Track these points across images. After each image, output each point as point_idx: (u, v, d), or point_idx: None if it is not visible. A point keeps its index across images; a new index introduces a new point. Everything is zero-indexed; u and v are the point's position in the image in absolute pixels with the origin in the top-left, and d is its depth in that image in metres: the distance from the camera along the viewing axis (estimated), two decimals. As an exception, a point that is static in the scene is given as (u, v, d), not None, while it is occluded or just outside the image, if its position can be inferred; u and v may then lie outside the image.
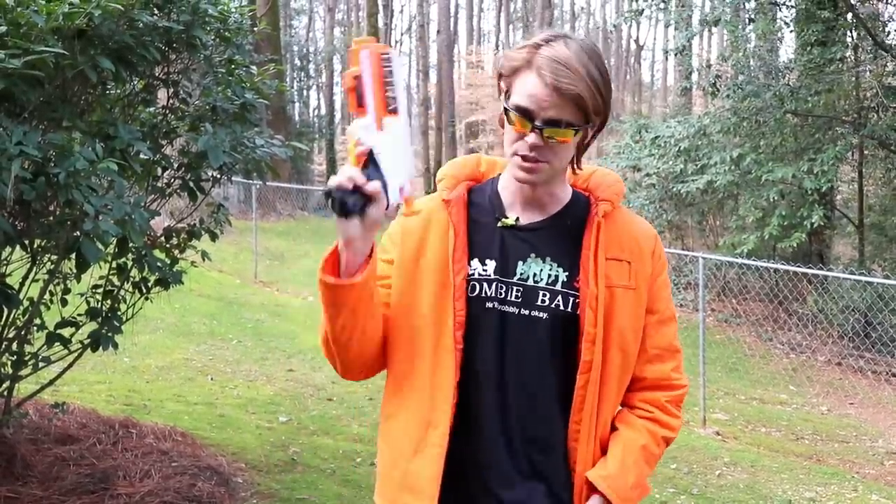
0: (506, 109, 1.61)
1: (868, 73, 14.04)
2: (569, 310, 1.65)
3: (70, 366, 4.01)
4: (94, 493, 3.71)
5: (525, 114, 1.57)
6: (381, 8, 30.01)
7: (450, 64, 32.71)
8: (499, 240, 1.70)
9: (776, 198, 13.11)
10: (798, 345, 11.94)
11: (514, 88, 1.59)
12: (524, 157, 1.60)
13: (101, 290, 3.88)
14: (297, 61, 39.32)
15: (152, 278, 3.89)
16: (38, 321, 3.79)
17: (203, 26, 3.42)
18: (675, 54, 16.24)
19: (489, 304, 1.66)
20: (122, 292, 3.92)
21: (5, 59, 2.39)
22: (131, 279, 3.92)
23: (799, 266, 10.28)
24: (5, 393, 3.83)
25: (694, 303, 13.52)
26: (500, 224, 1.71)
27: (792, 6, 14.67)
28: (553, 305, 1.65)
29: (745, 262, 10.28)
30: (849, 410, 9.31)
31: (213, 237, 4.23)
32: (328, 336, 1.63)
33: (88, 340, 3.74)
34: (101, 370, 6.51)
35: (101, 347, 3.69)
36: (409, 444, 1.67)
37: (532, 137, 1.57)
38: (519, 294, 1.66)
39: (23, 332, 3.73)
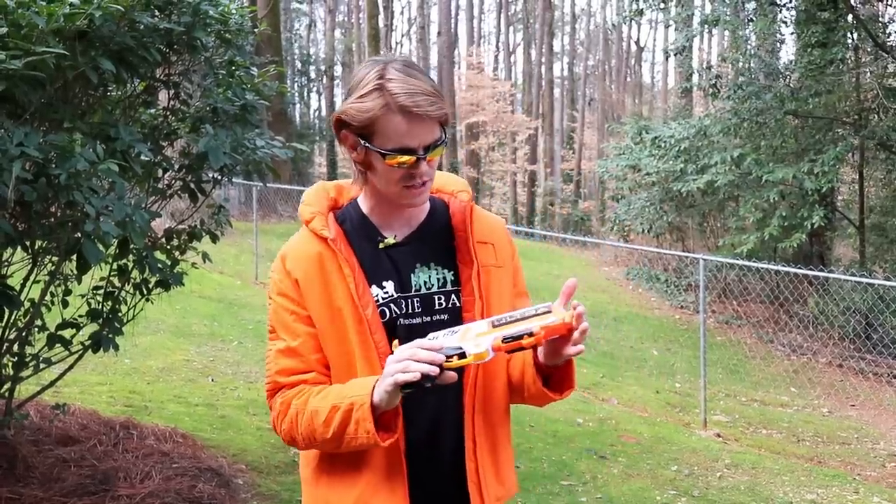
0: (381, 154, 1.65)
1: (868, 74, 14.06)
2: (461, 305, 1.77)
3: (71, 367, 4.01)
4: (95, 495, 3.71)
5: (408, 152, 1.64)
6: (381, 10, 30.01)
7: (450, 65, 32.72)
8: (387, 260, 1.77)
9: (776, 198, 13.12)
10: (799, 346, 11.94)
11: (381, 132, 1.64)
12: (415, 186, 1.69)
13: (101, 292, 3.88)
14: (298, 63, 39.30)
15: (153, 280, 3.89)
16: (39, 322, 3.79)
17: (204, 28, 3.42)
18: (675, 54, 16.27)
19: (398, 322, 1.73)
20: (122, 294, 3.92)
21: (6, 60, 2.39)
22: (132, 280, 3.92)
23: (800, 267, 10.27)
24: (6, 394, 3.83)
25: (695, 304, 13.54)
26: (381, 245, 1.77)
27: (792, 7, 14.68)
28: (450, 305, 1.77)
29: (746, 263, 10.29)
30: (850, 412, 9.31)
31: (214, 238, 4.22)
32: (313, 446, 1.71)
33: (89, 342, 3.74)
34: (101, 371, 6.50)
35: (101, 349, 3.69)
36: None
37: (422, 167, 1.66)
38: (418, 304, 1.75)
39: (24, 334, 3.73)
